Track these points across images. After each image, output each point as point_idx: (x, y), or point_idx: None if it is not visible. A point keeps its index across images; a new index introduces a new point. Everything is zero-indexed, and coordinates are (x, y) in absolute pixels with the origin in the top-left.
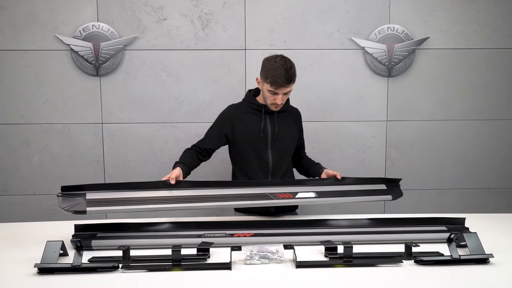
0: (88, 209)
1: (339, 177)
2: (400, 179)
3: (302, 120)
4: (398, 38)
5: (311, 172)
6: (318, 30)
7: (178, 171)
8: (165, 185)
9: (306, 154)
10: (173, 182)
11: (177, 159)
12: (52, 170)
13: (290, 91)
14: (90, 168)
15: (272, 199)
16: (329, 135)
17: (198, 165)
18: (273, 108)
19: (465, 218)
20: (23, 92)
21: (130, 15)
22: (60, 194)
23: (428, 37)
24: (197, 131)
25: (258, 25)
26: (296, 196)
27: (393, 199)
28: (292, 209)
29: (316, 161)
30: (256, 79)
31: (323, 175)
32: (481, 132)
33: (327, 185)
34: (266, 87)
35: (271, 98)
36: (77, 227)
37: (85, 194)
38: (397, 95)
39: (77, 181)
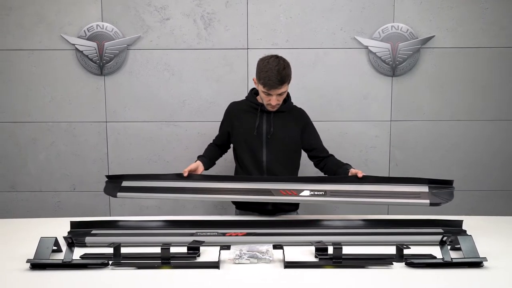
0: (118, 193)
1: (360, 175)
2: (452, 181)
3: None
4: (402, 37)
5: (339, 174)
6: (321, 29)
7: (195, 164)
8: (182, 177)
9: (334, 156)
10: (185, 174)
11: (179, 158)
12: (57, 167)
13: (284, 91)
14: (94, 166)
15: (274, 195)
16: (332, 135)
17: (221, 155)
18: (269, 108)
19: (462, 220)
20: (30, 90)
21: (134, 15)
22: (106, 181)
23: (434, 36)
24: (200, 130)
25: (261, 24)
26: (300, 194)
27: (432, 204)
28: (292, 209)
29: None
30: (253, 79)
31: (349, 175)
32: (488, 133)
33: (344, 183)
34: (260, 88)
35: (266, 99)
36: (73, 224)
37: (121, 182)
38: (402, 94)
39: (81, 179)
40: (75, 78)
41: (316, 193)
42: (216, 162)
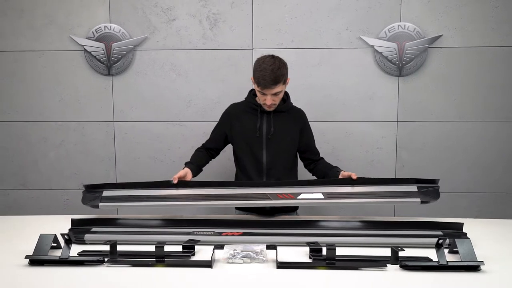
0: (100, 204)
1: (354, 177)
2: (438, 180)
3: (310, 120)
4: (409, 36)
5: (329, 176)
6: (326, 28)
7: (183, 171)
8: (170, 184)
9: (324, 158)
10: (175, 181)
11: (185, 158)
12: (67, 166)
13: (280, 91)
14: (102, 164)
15: (271, 200)
16: (338, 135)
17: (208, 162)
18: (266, 108)
19: (463, 223)
20: (41, 90)
21: (141, 16)
22: (83, 191)
23: (441, 35)
24: (205, 130)
25: (266, 24)
26: (298, 197)
27: (423, 202)
28: (292, 210)
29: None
30: (251, 78)
31: (340, 177)
32: (497, 134)
33: (341, 185)
34: (255, 87)
35: (261, 99)
36: (74, 222)
37: (102, 192)
38: (409, 95)
39: (89, 178)
40: (83, 78)
41: (312, 195)
42: (212, 166)
